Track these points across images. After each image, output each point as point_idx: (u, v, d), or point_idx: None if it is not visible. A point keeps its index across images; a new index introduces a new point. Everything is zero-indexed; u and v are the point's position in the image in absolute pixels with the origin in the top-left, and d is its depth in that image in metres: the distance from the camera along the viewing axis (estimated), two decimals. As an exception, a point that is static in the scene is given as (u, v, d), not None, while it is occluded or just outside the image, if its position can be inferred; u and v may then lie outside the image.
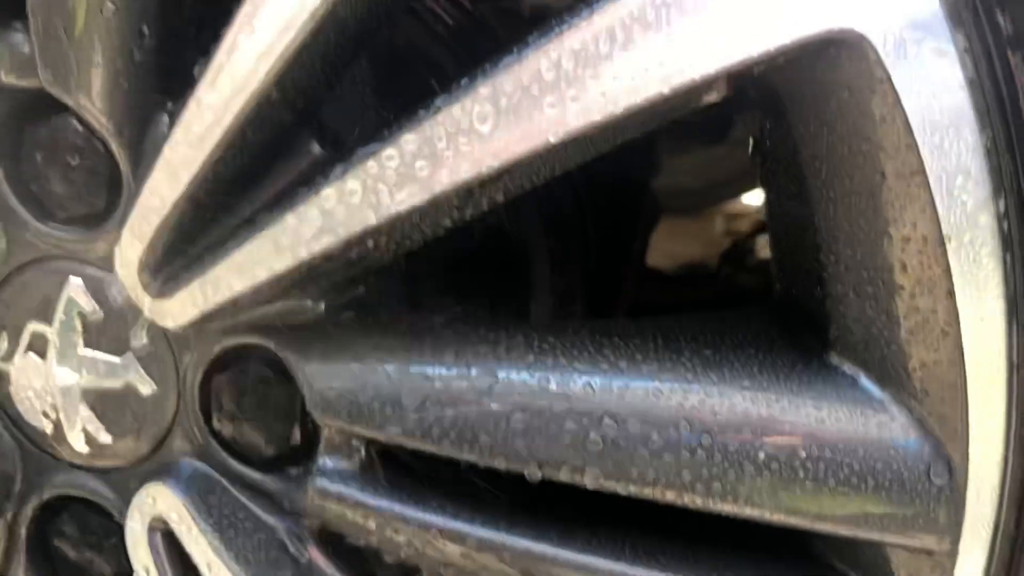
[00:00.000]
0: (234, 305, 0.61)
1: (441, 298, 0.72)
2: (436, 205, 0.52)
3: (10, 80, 0.62)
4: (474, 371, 0.57)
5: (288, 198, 0.58)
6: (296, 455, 0.67)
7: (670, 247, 1.26)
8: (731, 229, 1.29)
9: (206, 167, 0.57)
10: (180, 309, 0.62)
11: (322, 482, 0.63)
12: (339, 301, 0.64)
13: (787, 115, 0.53)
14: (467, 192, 0.51)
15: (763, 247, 1.26)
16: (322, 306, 0.63)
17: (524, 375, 0.57)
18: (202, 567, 0.66)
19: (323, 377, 0.61)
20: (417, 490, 0.61)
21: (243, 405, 0.67)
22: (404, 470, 0.63)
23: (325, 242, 0.56)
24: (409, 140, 0.52)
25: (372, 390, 0.59)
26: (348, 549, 0.69)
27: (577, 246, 0.87)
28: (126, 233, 0.61)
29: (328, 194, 0.54)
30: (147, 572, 0.68)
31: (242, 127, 0.56)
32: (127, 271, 0.63)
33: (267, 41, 0.53)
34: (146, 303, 0.63)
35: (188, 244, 0.62)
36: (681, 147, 1.08)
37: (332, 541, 0.68)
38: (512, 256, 0.85)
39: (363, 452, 0.63)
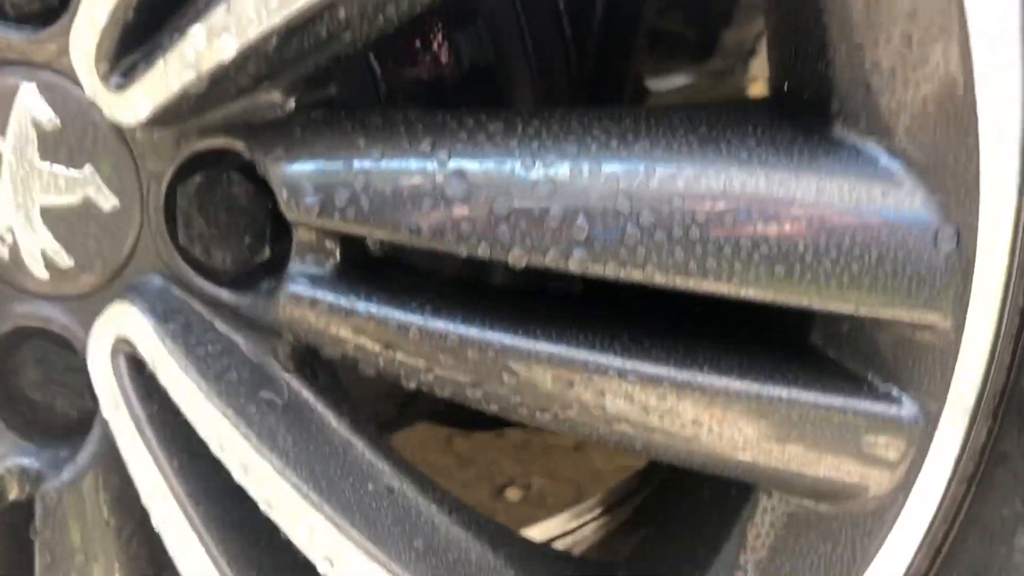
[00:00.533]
0: (195, 96, 0.57)
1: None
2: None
3: None
4: (455, 158, 0.54)
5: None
6: (267, 269, 0.63)
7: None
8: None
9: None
10: (140, 101, 0.58)
11: (295, 287, 0.60)
12: (309, 99, 0.60)
13: None
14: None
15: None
16: (292, 103, 0.60)
17: (508, 159, 0.53)
18: (169, 388, 0.63)
19: (297, 173, 0.57)
20: (394, 291, 0.58)
21: (211, 217, 0.63)
22: (379, 273, 0.60)
23: (286, 12, 0.52)
24: None
25: (349, 184, 0.56)
26: (322, 370, 0.66)
27: (563, 87, 0.84)
28: (80, 17, 0.57)
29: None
30: (111, 398, 0.65)
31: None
32: (83, 62, 0.59)
33: None
34: (103, 98, 0.59)
35: (145, 36, 0.58)
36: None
37: (305, 360, 0.65)
38: (495, 97, 0.81)
39: (337, 255, 0.60)
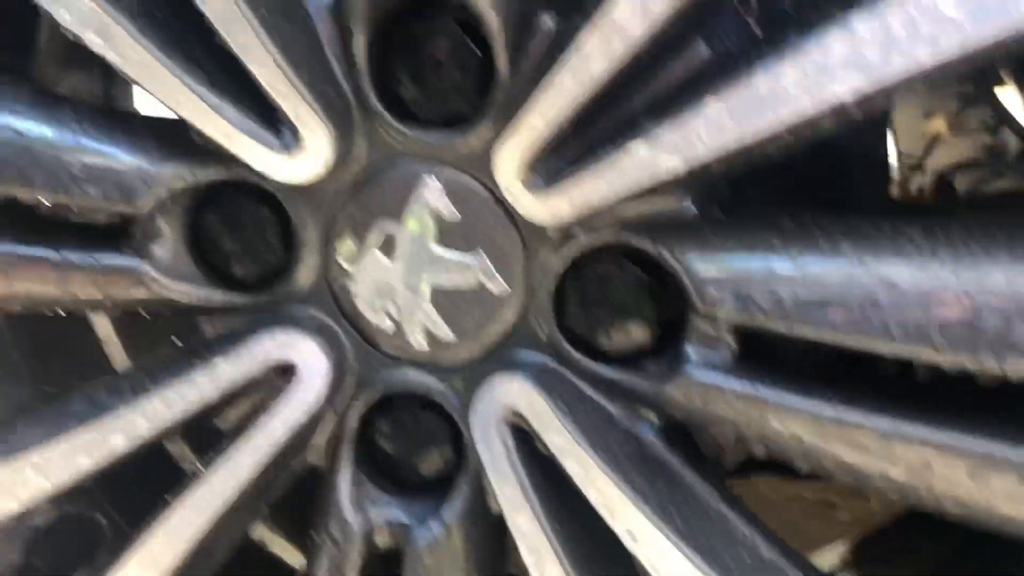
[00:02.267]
0: (609, 206, 0.63)
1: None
2: (884, 93, 0.53)
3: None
4: (879, 262, 0.58)
5: (677, 100, 0.60)
6: (653, 350, 0.69)
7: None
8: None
9: (604, 75, 0.58)
10: (556, 209, 0.64)
11: (696, 372, 0.65)
12: (708, 201, 0.65)
13: None
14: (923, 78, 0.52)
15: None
16: (692, 205, 0.65)
17: (934, 265, 0.57)
18: (559, 455, 0.68)
19: (712, 270, 0.62)
20: (797, 379, 0.63)
21: (599, 302, 0.69)
22: (775, 361, 0.65)
23: (728, 142, 0.57)
24: (861, 23, 0.52)
25: (769, 283, 0.60)
26: (693, 446, 0.71)
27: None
28: (511, 134, 0.63)
29: (761, 82, 0.55)
30: (496, 464, 0.70)
31: (645, 40, 0.57)
32: (506, 171, 0.64)
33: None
34: (521, 198, 0.65)
35: (568, 143, 0.64)
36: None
37: (679, 437, 0.70)
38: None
39: (733, 343, 0.64)
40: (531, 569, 0.70)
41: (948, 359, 0.56)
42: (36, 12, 0.66)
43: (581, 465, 0.68)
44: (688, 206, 0.64)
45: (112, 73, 1.10)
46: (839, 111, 0.54)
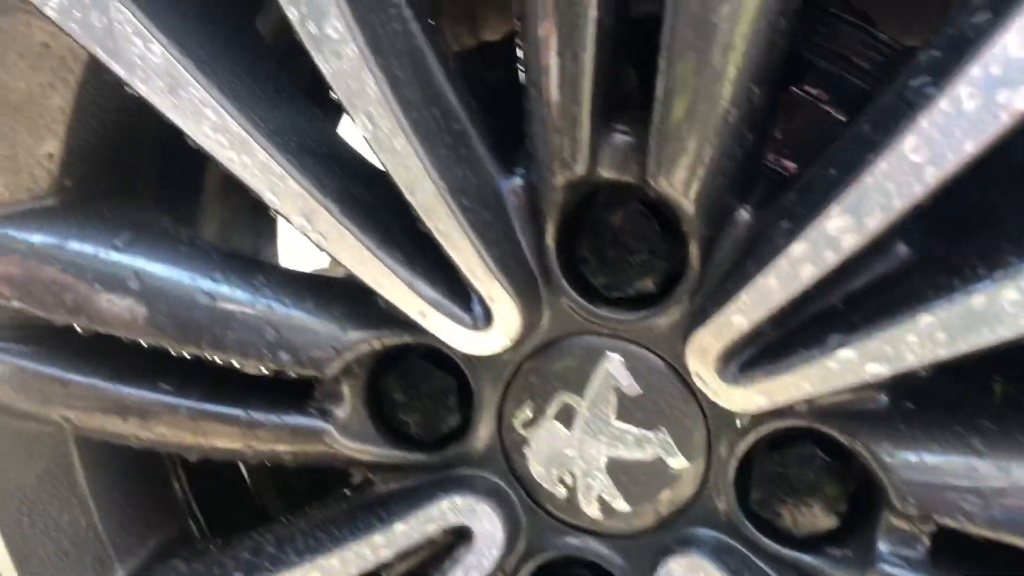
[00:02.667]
0: (809, 401, 0.63)
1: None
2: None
3: (609, 175, 0.65)
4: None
5: (880, 301, 0.60)
6: (838, 536, 0.68)
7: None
8: None
9: (811, 281, 0.60)
10: (750, 400, 0.65)
11: (885, 567, 0.65)
12: (902, 392, 0.66)
13: None
14: None
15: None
16: (885, 397, 0.65)
17: None
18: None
19: (908, 467, 0.62)
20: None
21: (790, 488, 0.69)
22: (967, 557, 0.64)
23: (940, 354, 0.58)
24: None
25: (971, 487, 0.60)
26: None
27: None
28: (708, 325, 0.64)
29: (977, 299, 0.56)
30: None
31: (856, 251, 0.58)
32: (700, 359, 0.65)
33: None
34: (714, 386, 0.66)
35: (763, 334, 0.65)
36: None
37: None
38: None
39: (927, 540, 0.64)
40: None
41: None
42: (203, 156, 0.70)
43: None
44: (876, 396, 0.65)
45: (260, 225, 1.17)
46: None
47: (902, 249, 0.63)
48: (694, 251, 0.66)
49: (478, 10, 1.43)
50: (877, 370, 0.59)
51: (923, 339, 0.57)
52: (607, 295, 0.70)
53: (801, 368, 0.62)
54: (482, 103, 0.71)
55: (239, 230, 1.08)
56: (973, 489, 0.60)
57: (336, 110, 0.69)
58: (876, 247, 0.63)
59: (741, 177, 0.64)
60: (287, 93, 0.75)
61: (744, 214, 0.65)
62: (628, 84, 0.67)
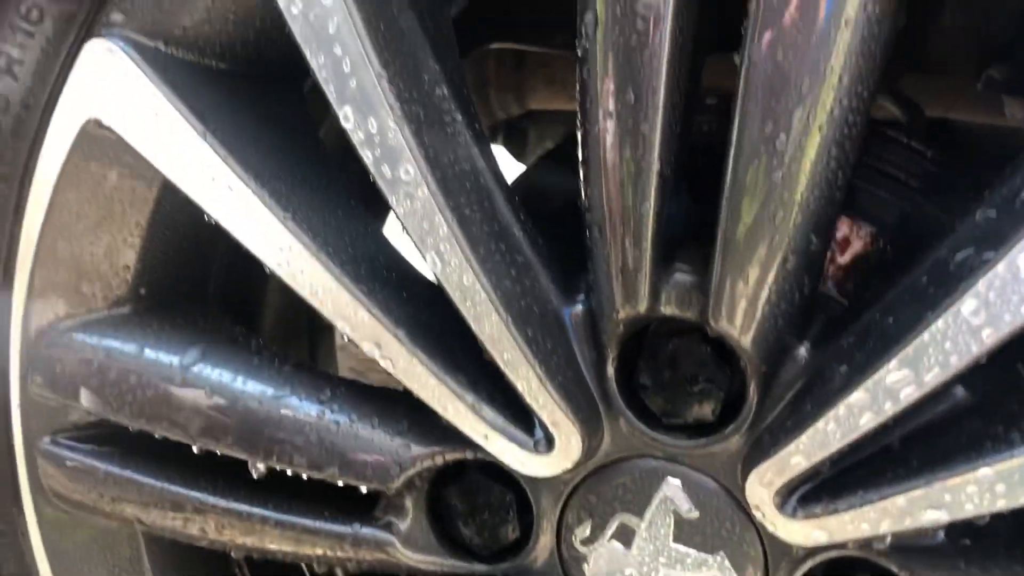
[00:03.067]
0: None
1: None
2: None
3: (668, 311, 0.67)
4: None
5: (941, 447, 0.62)
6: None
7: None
8: None
9: (870, 428, 0.61)
10: (809, 535, 0.66)
11: None
12: (959, 529, 0.67)
13: None
14: None
15: None
16: (941, 534, 0.66)
17: None
18: None
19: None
20: None
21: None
22: None
23: (998, 504, 0.59)
24: None
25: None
26: None
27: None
28: (769, 462, 0.66)
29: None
30: None
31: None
32: (759, 493, 0.67)
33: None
34: (771, 521, 0.68)
35: (825, 474, 0.66)
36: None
37: None
38: None
39: None
40: None
41: None
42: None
43: None
44: (940, 535, 0.66)
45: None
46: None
47: (960, 392, 0.65)
48: (752, 385, 0.67)
49: (526, 81, 1.47)
50: (936, 516, 0.60)
51: (983, 491, 0.59)
52: (666, 421, 0.72)
53: (861, 510, 0.63)
54: (544, 223, 0.74)
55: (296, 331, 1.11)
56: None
57: (385, 208, 0.71)
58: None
59: (800, 315, 0.66)
60: (353, 210, 0.79)
61: (803, 351, 0.67)
62: (691, 221, 0.70)
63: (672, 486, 0.73)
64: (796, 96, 0.58)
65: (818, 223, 0.62)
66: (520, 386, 0.70)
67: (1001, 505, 0.58)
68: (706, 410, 0.71)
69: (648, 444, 0.73)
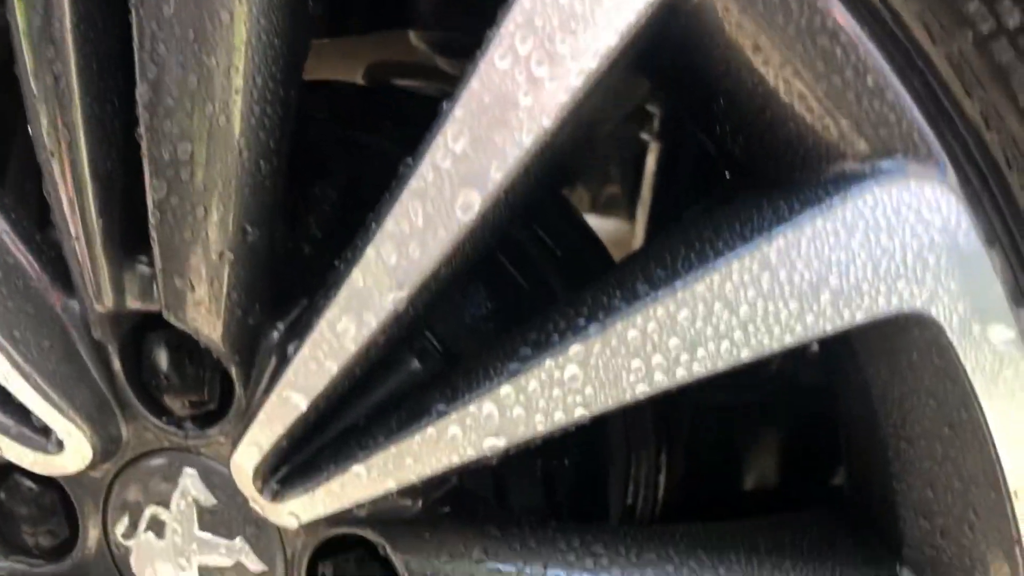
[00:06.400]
0: (340, 513, 0.66)
1: (527, 491, 0.77)
2: (530, 441, 0.57)
3: (135, 306, 0.67)
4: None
5: (391, 416, 0.64)
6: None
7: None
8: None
9: (317, 399, 0.63)
10: (291, 515, 0.67)
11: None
12: (436, 496, 0.69)
13: (859, 356, 0.56)
14: (560, 429, 0.56)
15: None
16: (420, 503, 0.68)
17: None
18: None
19: (422, 572, 0.66)
20: None
21: (350, 585, 0.72)
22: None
23: (426, 470, 0.61)
24: (506, 391, 0.56)
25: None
26: None
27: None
28: (241, 447, 0.67)
29: (431, 433, 0.59)
30: None
31: (351, 366, 0.61)
32: (242, 479, 0.68)
33: (376, 300, 0.58)
34: (260, 504, 0.69)
35: (296, 452, 0.68)
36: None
37: None
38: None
39: (461, 641, 0.68)
40: None
41: None
42: None
43: None
44: (411, 504, 0.68)
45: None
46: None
47: (415, 365, 0.67)
48: (234, 373, 0.68)
49: None
50: (388, 484, 0.62)
51: (417, 458, 0.61)
52: (178, 413, 0.73)
53: (325, 485, 0.65)
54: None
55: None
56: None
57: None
58: (387, 364, 0.67)
59: (264, 300, 0.66)
60: None
61: (276, 335, 0.68)
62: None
63: (189, 476, 0.74)
64: (195, 98, 0.58)
65: (251, 214, 0.62)
66: (16, 389, 0.70)
67: (429, 471, 0.60)
68: (208, 400, 0.72)
69: (164, 437, 0.73)
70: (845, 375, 0.60)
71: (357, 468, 0.63)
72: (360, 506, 0.65)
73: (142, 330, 0.72)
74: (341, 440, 0.66)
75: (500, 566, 0.63)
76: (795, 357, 1.31)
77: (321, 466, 0.65)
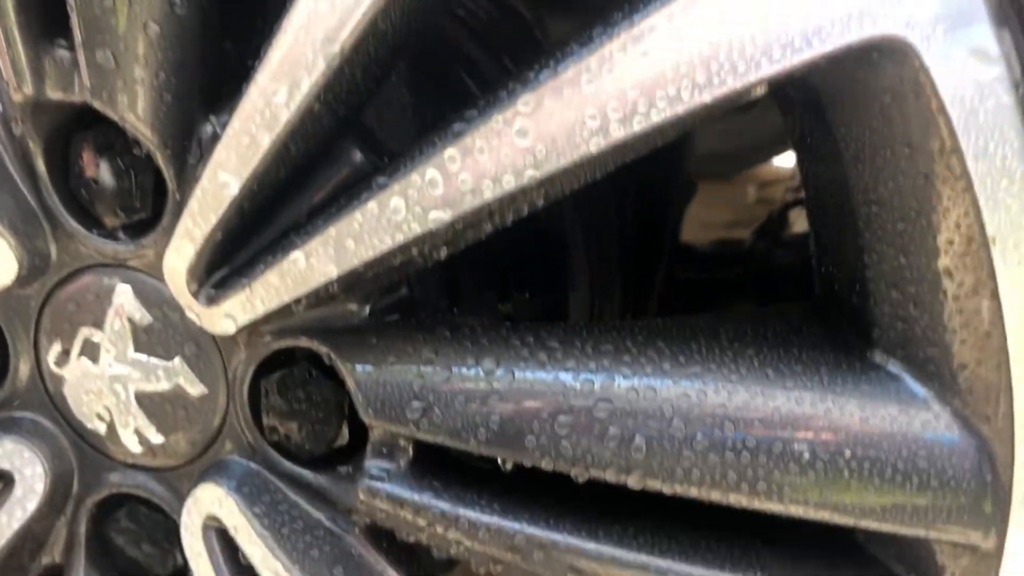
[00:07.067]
0: (280, 313, 0.62)
1: (481, 294, 0.73)
2: (479, 215, 0.53)
3: (56, 95, 0.63)
4: (517, 375, 0.58)
5: (333, 206, 0.60)
6: (345, 453, 0.68)
7: (705, 217, 1.29)
8: (764, 197, 1.30)
9: (251, 181, 0.58)
10: (228, 317, 0.63)
11: (370, 483, 0.64)
12: (384, 303, 0.65)
13: (827, 114, 0.53)
14: (510, 200, 0.52)
15: (797, 220, 1.28)
16: (367, 310, 0.65)
17: (568, 378, 0.57)
18: (257, 565, 0.68)
19: (370, 381, 0.62)
20: (465, 488, 0.62)
21: (292, 405, 0.68)
22: (452, 469, 0.64)
23: (370, 252, 0.57)
24: (450, 154, 0.52)
25: (417, 393, 0.60)
26: (398, 544, 0.71)
27: (614, 239, 0.87)
28: (173, 244, 0.63)
29: (372, 208, 0.55)
30: (202, 570, 0.70)
31: (285, 141, 0.57)
32: (175, 281, 0.64)
33: (309, 57, 0.53)
34: (195, 311, 0.65)
35: (234, 252, 0.63)
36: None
37: (382, 536, 0.70)
38: (550, 252, 0.85)
39: (410, 452, 0.64)
40: None
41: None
42: None
43: (275, 573, 0.67)
44: (357, 310, 0.64)
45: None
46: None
47: (357, 156, 0.62)
48: (167, 171, 0.64)
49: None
50: (326, 269, 0.58)
51: (359, 243, 0.57)
52: (108, 223, 0.68)
53: (262, 277, 0.61)
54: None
55: None
56: (418, 395, 0.60)
57: None
58: (327, 155, 0.63)
59: (198, 86, 0.62)
60: None
61: (209, 127, 0.63)
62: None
63: (123, 293, 0.69)
64: None
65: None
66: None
67: (378, 250, 0.56)
68: (141, 207, 0.67)
69: (98, 252, 0.69)
70: (815, 150, 0.56)
71: (295, 255, 0.59)
72: (299, 303, 0.61)
73: (68, 132, 0.67)
74: (280, 238, 0.62)
75: (452, 366, 0.60)
76: (769, 236, 1.29)
77: (258, 261, 0.61)
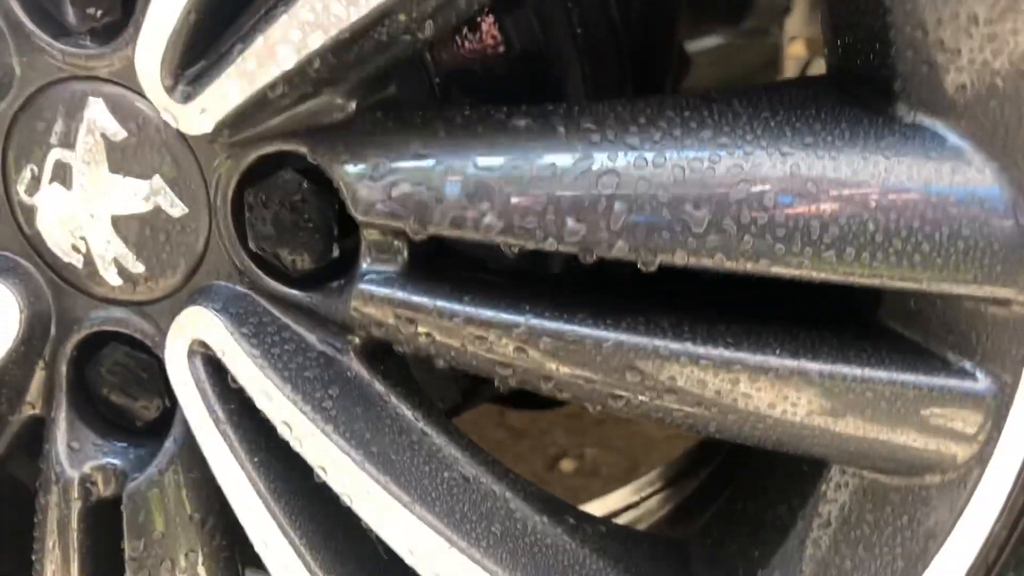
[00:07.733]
0: (258, 104, 0.58)
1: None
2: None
3: None
4: (517, 156, 0.55)
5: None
6: (336, 268, 0.65)
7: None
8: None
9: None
10: (204, 112, 0.60)
11: (366, 286, 0.61)
12: (369, 100, 0.61)
13: None
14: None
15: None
16: (352, 105, 0.61)
17: (569, 153, 0.54)
18: (247, 386, 0.65)
19: (361, 175, 0.58)
20: (464, 286, 0.59)
21: (278, 219, 0.64)
22: (448, 269, 0.61)
23: (355, 15, 0.53)
24: None
25: (413, 184, 0.57)
26: (395, 367, 0.68)
27: (612, 64, 0.84)
28: (144, 34, 0.59)
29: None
30: (190, 399, 0.67)
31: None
32: (148, 75, 0.60)
33: None
34: (171, 111, 0.61)
35: (209, 44, 0.59)
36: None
37: (378, 357, 0.66)
38: (546, 79, 0.81)
39: (405, 252, 0.61)
40: (232, 502, 0.67)
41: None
42: None
43: (268, 396, 0.64)
44: (342, 106, 0.60)
45: None
46: None
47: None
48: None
49: None
50: (288, 55, 0.54)
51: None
52: (79, 28, 0.64)
53: (230, 70, 0.57)
54: None
55: None
56: (411, 186, 0.57)
57: None
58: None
59: None
60: None
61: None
62: None
63: (95, 107, 0.65)
64: None
65: None
66: None
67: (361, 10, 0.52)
68: (110, 7, 0.63)
69: (68, 63, 0.65)
70: None
71: (272, 30, 0.55)
72: (275, 88, 0.57)
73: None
74: (259, 23, 0.58)
75: (446, 158, 0.56)
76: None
77: (233, 49, 0.57)
